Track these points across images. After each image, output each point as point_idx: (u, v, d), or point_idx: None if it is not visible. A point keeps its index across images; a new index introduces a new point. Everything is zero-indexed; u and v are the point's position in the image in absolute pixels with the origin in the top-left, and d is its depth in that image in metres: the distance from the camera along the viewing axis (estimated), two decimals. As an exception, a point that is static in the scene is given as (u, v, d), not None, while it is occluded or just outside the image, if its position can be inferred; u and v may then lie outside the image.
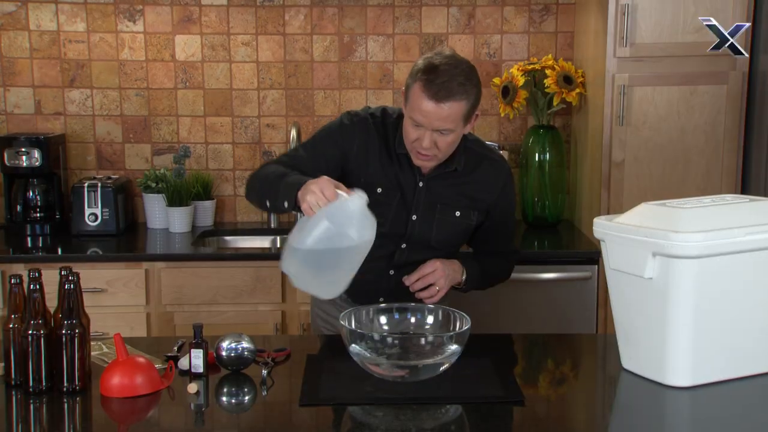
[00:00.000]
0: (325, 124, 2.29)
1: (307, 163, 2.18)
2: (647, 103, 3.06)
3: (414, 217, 2.21)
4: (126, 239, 3.32)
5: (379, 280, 2.23)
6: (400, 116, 2.21)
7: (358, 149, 2.19)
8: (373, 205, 2.16)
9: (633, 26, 3.00)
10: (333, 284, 1.95)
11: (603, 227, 1.88)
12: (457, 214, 2.24)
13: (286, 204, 1.99)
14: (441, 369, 1.80)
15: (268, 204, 2.09)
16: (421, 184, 2.21)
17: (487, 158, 2.27)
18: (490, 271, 2.32)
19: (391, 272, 2.25)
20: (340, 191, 1.88)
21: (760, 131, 3.06)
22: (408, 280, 2.16)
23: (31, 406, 1.76)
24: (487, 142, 2.37)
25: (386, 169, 2.19)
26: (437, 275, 2.15)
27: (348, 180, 2.19)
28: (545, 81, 3.31)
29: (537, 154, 3.41)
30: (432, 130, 2.05)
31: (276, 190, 2.04)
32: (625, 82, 3.03)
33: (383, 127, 2.21)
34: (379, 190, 2.19)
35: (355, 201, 1.87)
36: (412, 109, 2.06)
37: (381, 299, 2.19)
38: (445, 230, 2.23)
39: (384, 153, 2.19)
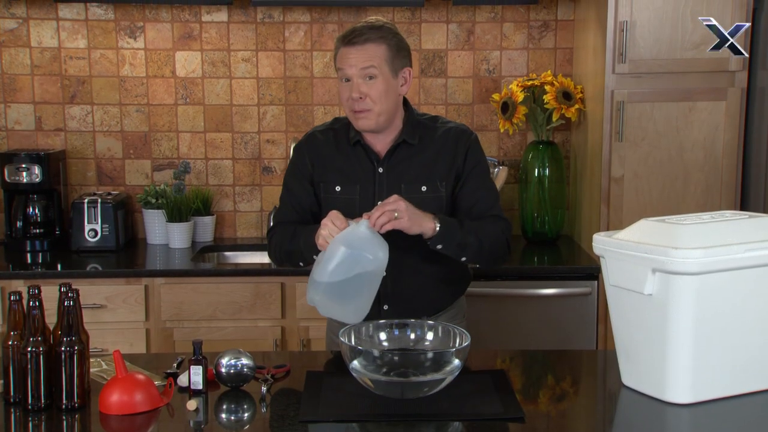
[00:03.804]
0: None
1: (296, 206, 2.28)
2: (646, 118, 3.06)
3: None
4: (126, 255, 3.32)
5: None
6: None
7: (313, 161, 2.27)
8: (336, 204, 2.20)
9: (631, 43, 3.01)
10: (357, 310, 2.02)
11: (602, 243, 1.88)
12: (424, 188, 2.22)
13: (315, 257, 2.08)
14: (441, 385, 1.79)
15: (301, 264, 2.23)
16: (380, 170, 2.23)
17: (443, 128, 2.28)
18: (474, 227, 2.16)
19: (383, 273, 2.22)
20: (350, 220, 2.01)
21: (759, 147, 3.07)
22: (371, 219, 2.01)
23: (30, 424, 1.75)
24: (445, 118, 2.33)
25: (343, 167, 2.25)
26: (398, 204, 2.02)
27: (315, 190, 2.28)
28: (544, 97, 3.32)
29: (536, 170, 3.42)
30: (358, 76, 2.13)
31: (300, 252, 2.18)
32: (623, 98, 3.04)
33: (333, 131, 2.29)
34: (338, 188, 2.24)
35: (364, 224, 1.99)
36: (338, 66, 2.18)
37: (385, 307, 2.21)
38: (417, 207, 2.16)
39: (338, 153, 2.26)
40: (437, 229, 2.08)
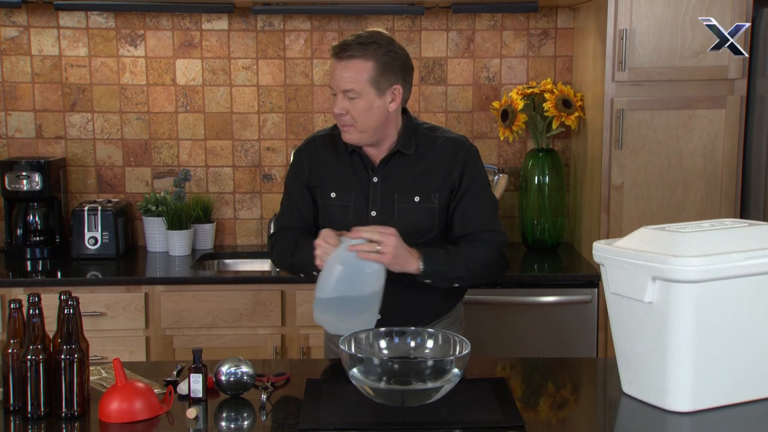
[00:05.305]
0: None
1: (295, 211, 2.29)
2: (646, 126, 3.07)
3: (373, 213, 2.21)
4: (126, 263, 3.32)
5: None
6: None
7: (312, 167, 2.28)
8: (332, 210, 2.23)
9: (631, 51, 3.02)
10: (363, 323, 2.02)
11: (602, 251, 1.88)
12: (417, 199, 2.21)
13: (314, 273, 2.11)
14: (441, 393, 1.79)
15: (303, 276, 2.25)
16: (375, 179, 2.23)
17: (441, 139, 2.25)
18: (464, 258, 2.15)
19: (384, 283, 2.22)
20: (343, 236, 2.02)
21: (759, 155, 3.07)
22: (356, 245, 2.01)
23: (30, 432, 1.75)
24: (446, 129, 2.31)
25: (339, 174, 2.25)
26: (389, 239, 2.00)
27: (312, 195, 2.29)
28: (544, 105, 3.32)
29: (536, 177, 3.42)
30: (341, 92, 2.14)
31: (301, 266, 2.21)
32: (623, 106, 3.05)
33: (332, 137, 2.29)
34: (333, 194, 2.25)
35: (357, 240, 1.99)
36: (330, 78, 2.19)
37: (378, 316, 2.19)
38: (408, 218, 2.19)
39: (335, 160, 2.26)
40: (420, 270, 2.09)
